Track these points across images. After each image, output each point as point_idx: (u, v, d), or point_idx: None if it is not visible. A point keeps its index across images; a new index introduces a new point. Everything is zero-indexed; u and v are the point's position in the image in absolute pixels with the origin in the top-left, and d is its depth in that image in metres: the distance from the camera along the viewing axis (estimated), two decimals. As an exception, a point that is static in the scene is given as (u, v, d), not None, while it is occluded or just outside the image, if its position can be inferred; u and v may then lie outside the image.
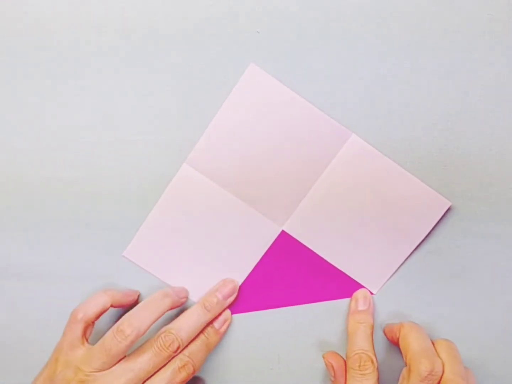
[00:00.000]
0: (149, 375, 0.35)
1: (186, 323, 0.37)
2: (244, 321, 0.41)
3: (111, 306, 0.37)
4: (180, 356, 0.36)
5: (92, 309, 0.36)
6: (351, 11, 0.36)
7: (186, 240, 0.39)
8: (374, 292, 0.40)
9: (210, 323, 0.39)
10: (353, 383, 0.35)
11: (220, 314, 0.39)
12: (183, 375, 0.36)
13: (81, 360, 0.35)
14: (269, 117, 0.37)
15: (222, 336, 0.40)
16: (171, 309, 0.38)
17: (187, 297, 0.40)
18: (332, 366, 0.37)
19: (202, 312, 0.38)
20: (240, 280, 0.40)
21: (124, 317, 0.36)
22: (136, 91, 0.37)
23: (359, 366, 0.35)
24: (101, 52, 0.37)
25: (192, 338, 0.37)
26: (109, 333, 0.35)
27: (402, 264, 0.39)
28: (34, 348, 0.41)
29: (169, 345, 0.35)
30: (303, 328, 0.41)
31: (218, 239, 0.39)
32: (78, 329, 0.36)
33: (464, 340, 0.40)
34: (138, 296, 0.40)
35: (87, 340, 0.36)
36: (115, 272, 0.40)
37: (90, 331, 0.37)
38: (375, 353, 0.36)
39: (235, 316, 0.41)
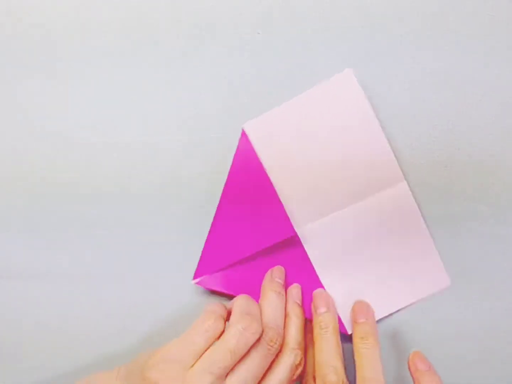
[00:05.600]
0: (259, 378, 0.33)
1: (273, 313, 0.35)
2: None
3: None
4: (293, 351, 0.34)
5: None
6: (351, 12, 0.36)
7: None
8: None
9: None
10: None
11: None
12: (299, 370, 0.34)
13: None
14: (339, 124, 0.37)
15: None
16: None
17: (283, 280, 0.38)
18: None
19: (278, 297, 0.36)
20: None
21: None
22: (137, 92, 0.37)
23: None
24: (102, 52, 0.37)
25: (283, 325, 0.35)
26: (234, 331, 0.33)
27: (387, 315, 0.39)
28: (34, 348, 0.41)
29: (276, 340, 0.33)
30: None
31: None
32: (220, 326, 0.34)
33: (465, 340, 0.40)
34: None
35: None
36: (115, 272, 0.40)
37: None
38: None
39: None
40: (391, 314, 0.40)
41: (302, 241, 0.39)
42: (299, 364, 0.34)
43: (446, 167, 0.38)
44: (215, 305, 0.35)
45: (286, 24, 0.36)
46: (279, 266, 0.39)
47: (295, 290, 0.38)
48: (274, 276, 0.38)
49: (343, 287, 0.39)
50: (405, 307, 0.39)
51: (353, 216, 0.38)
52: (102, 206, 0.39)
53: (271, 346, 0.33)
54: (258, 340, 0.33)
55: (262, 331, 0.33)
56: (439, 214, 0.38)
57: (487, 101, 0.37)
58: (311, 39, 0.36)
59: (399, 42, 0.36)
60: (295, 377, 0.34)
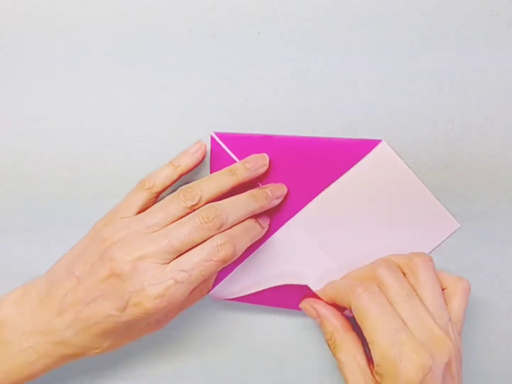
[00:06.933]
0: (185, 249, 0.32)
1: (232, 205, 0.34)
2: (245, 321, 0.41)
3: (180, 176, 0.36)
4: (221, 234, 0.33)
5: (161, 181, 0.36)
6: (351, 12, 0.36)
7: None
8: None
9: (254, 218, 0.36)
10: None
11: (263, 214, 0.37)
12: (222, 254, 0.32)
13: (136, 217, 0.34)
14: (385, 196, 0.37)
15: (263, 233, 0.38)
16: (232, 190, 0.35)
17: (281, 197, 0.37)
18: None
19: (250, 200, 0.35)
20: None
21: (191, 183, 0.35)
22: (137, 92, 0.37)
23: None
24: (102, 52, 0.37)
25: (236, 223, 0.34)
26: (170, 195, 0.34)
27: None
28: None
29: (213, 219, 0.32)
30: (305, 327, 0.41)
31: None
32: (143, 196, 0.35)
33: (464, 340, 0.40)
34: (205, 148, 0.37)
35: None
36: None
37: (152, 203, 0.36)
38: None
39: (235, 315, 0.41)
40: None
41: (297, 226, 0.39)
42: (222, 245, 0.32)
43: (446, 167, 0.38)
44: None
45: (286, 24, 0.36)
46: (282, 185, 0.38)
47: (265, 217, 0.38)
48: (269, 189, 0.37)
49: (351, 257, 0.39)
50: None
51: (340, 192, 0.38)
52: (103, 206, 0.39)
53: (205, 222, 0.32)
54: (196, 213, 0.33)
55: (207, 207, 0.33)
56: (439, 214, 0.38)
57: (487, 101, 0.37)
58: (311, 39, 0.36)
59: (399, 42, 0.36)
60: (218, 258, 0.32)
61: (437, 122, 0.37)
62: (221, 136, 0.38)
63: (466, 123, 0.37)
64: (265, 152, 0.37)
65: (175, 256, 0.32)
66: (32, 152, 0.38)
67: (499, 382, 0.41)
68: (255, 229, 0.36)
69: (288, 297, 0.39)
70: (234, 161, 0.38)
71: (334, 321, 0.35)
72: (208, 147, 0.38)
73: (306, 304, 0.37)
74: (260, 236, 0.37)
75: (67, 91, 0.38)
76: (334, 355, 0.35)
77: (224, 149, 0.38)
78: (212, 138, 0.38)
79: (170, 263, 0.32)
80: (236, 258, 0.34)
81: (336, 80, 0.37)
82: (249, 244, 0.35)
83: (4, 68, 0.37)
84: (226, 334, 0.41)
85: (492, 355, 0.40)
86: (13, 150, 0.39)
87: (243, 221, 0.35)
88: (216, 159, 0.38)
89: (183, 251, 0.32)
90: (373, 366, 0.33)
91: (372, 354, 0.32)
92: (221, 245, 0.33)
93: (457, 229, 0.38)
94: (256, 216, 0.37)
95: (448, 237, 0.38)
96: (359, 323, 0.33)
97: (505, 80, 0.36)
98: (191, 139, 0.38)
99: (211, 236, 0.33)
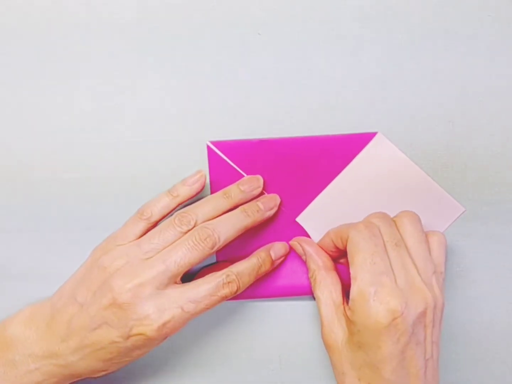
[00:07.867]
0: (182, 271, 0.34)
1: (223, 223, 0.35)
2: (244, 320, 0.41)
3: (178, 205, 0.36)
4: (228, 272, 0.34)
5: (159, 211, 0.36)
6: (351, 12, 0.36)
7: None
8: None
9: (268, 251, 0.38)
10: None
11: (278, 245, 0.39)
12: (226, 291, 0.34)
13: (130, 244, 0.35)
14: (387, 186, 0.38)
15: (273, 266, 0.38)
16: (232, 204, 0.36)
17: (275, 208, 0.38)
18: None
19: (242, 215, 0.35)
20: None
21: (186, 208, 0.35)
22: (137, 92, 0.37)
23: None
24: (101, 52, 0.37)
25: (229, 240, 0.35)
26: (167, 220, 0.35)
27: None
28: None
29: (205, 239, 0.34)
30: (305, 327, 0.41)
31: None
32: (141, 226, 0.35)
33: (464, 340, 0.40)
34: (205, 179, 0.37)
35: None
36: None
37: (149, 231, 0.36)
38: None
39: (235, 315, 0.41)
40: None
41: (302, 225, 0.39)
42: (227, 284, 0.34)
43: (447, 168, 0.38)
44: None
45: (286, 24, 0.36)
46: (274, 196, 0.38)
47: (278, 245, 0.39)
48: (260, 202, 0.37)
49: None
50: None
51: (342, 187, 0.38)
52: (103, 206, 0.39)
53: (198, 243, 0.33)
54: (188, 236, 0.34)
55: (199, 228, 0.34)
56: (439, 214, 0.38)
57: (487, 101, 0.37)
58: (311, 39, 0.36)
59: (399, 42, 0.36)
60: (221, 294, 0.34)
61: (437, 122, 0.37)
62: (217, 144, 0.38)
63: (466, 123, 0.37)
64: (263, 156, 0.37)
65: (174, 280, 0.34)
66: (32, 152, 0.38)
67: (499, 381, 0.41)
68: (264, 267, 0.37)
69: (290, 284, 0.39)
70: (233, 169, 0.38)
71: (317, 259, 0.37)
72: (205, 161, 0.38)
73: (294, 241, 0.39)
74: (268, 270, 0.38)
75: (67, 91, 0.37)
76: (314, 292, 0.37)
77: (221, 157, 0.38)
78: (208, 147, 0.38)
79: (178, 289, 0.33)
80: (237, 294, 0.35)
81: (336, 81, 0.37)
82: (254, 280, 0.36)
83: (4, 68, 0.37)
84: (226, 334, 0.41)
85: (492, 355, 0.40)
86: (13, 150, 0.39)
87: (251, 257, 0.36)
88: (215, 168, 0.38)
89: (181, 274, 0.34)
90: (347, 303, 0.34)
91: (351, 289, 0.33)
92: (226, 283, 0.34)
93: (462, 213, 0.38)
94: (270, 248, 0.38)
95: (453, 221, 0.38)
96: (349, 257, 0.34)
97: (505, 80, 0.36)
98: (191, 139, 0.38)
99: (208, 254, 0.34)
